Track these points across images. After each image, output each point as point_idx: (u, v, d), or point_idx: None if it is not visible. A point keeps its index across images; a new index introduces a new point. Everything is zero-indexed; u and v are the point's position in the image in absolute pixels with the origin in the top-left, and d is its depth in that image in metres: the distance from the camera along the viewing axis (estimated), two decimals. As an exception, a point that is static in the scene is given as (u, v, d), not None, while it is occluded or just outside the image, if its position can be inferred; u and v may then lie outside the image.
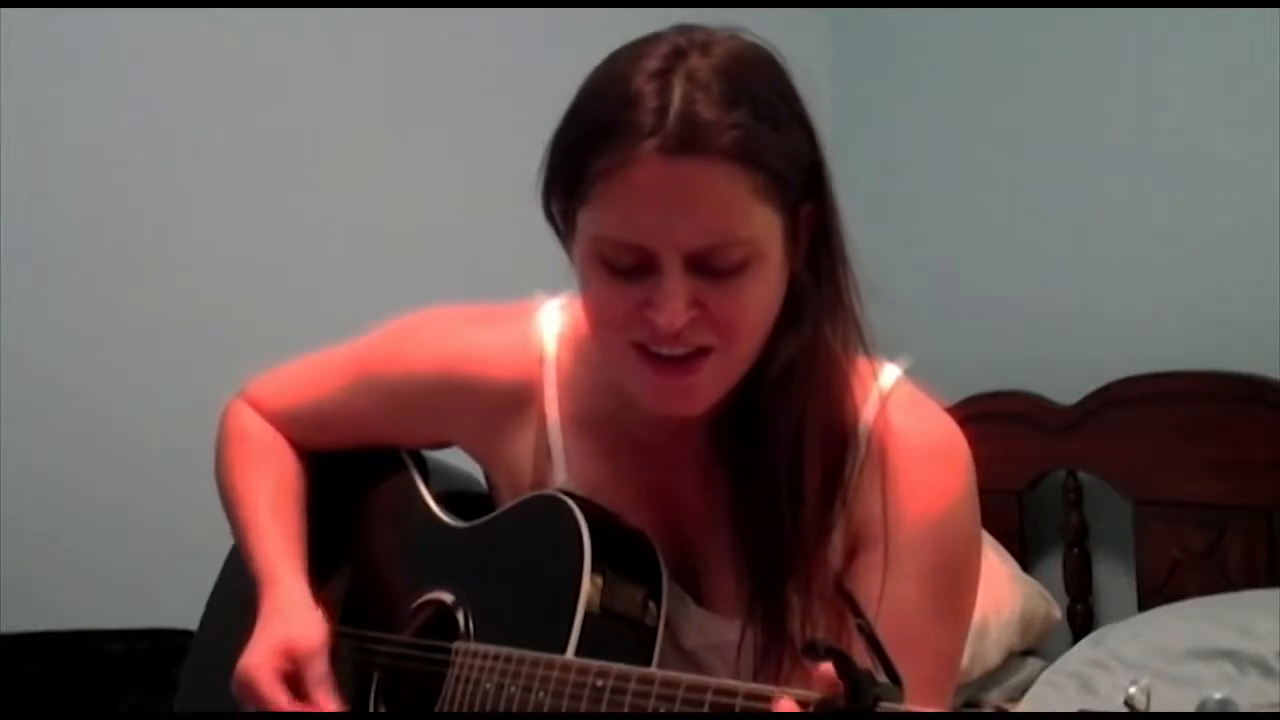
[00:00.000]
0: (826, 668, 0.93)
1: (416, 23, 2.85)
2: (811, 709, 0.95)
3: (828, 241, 1.20)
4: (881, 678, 0.92)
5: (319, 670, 1.29)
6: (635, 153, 1.08)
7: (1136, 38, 2.69)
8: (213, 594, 1.57)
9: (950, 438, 1.23)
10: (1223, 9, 2.52)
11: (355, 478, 1.48)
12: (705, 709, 1.01)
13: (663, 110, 1.09)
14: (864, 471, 1.21)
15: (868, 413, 1.22)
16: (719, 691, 1.01)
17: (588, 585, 1.17)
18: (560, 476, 1.30)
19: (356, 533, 1.47)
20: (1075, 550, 2.72)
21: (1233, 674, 2.08)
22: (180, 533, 2.33)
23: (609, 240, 1.13)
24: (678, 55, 1.11)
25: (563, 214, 1.18)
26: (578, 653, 1.14)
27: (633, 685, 1.07)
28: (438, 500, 1.41)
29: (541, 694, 1.13)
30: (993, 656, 2.55)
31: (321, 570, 1.42)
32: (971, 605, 1.24)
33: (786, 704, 0.96)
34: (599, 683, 1.09)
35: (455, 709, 1.22)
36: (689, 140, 1.08)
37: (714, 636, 1.23)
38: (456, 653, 1.25)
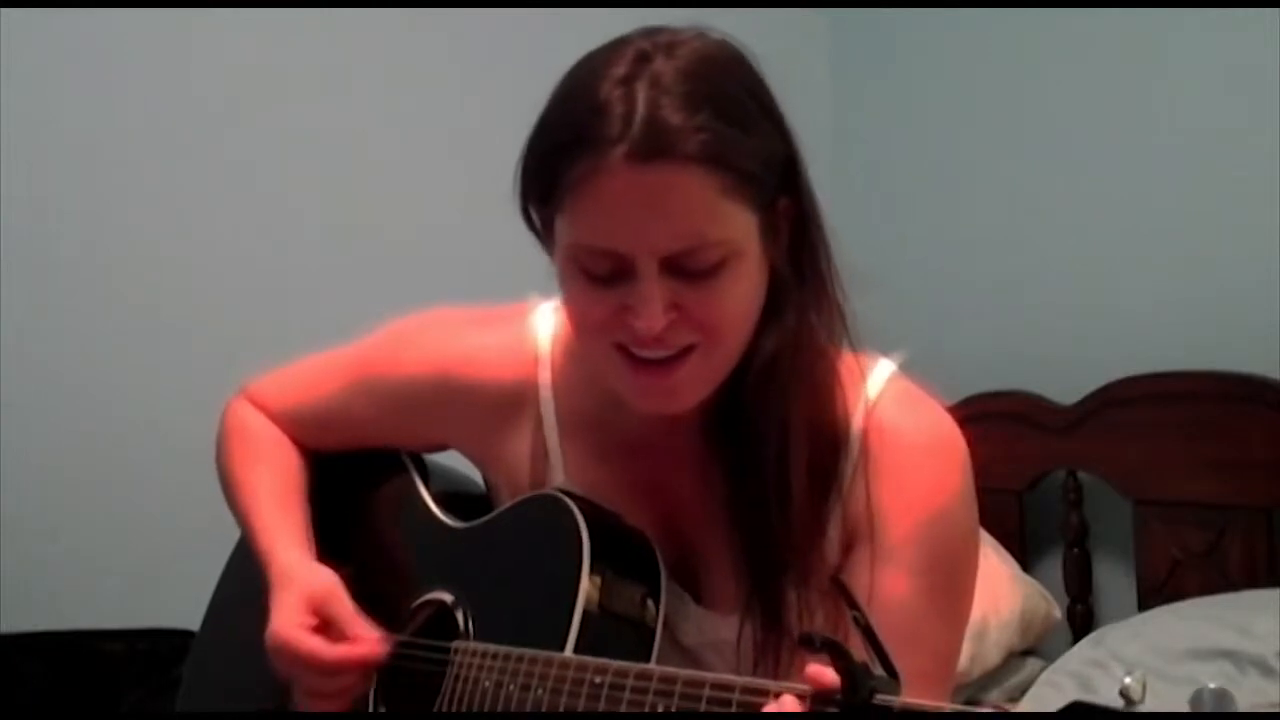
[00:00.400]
0: (822, 661, 0.93)
1: (416, 23, 2.85)
2: (808, 703, 0.95)
3: (807, 234, 1.20)
4: (878, 671, 0.92)
5: (344, 609, 1.29)
6: (604, 161, 1.09)
7: (1136, 38, 2.69)
8: (215, 593, 1.57)
9: (946, 433, 1.23)
10: (1223, 9, 2.52)
11: (355, 478, 1.48)
12: (702, 704, 1.01)
13: (629, 117, 1.09)
14: (858, 467, 1.21)
15: (860, 408, 1.22)
16: (716, 686, 1.01)
17: (587, 584, 1.17)
18: (558, 478, 1.31)
19: (356, 533, 1.48)
20: (1075, 550, 2.72)
21: (1232, 674, 2.08)
22: (180, 533, 2.34)
23: (585, 248, 1.13)
24: (642, 60, 1.12)
25: (540, 220, 1.18)
26: (576, 651, 1.14)
27: (631, 681, 1.07)
28: (437, 501, 1.41)
29: (540, 691, 1.13)
30: (993, 656, 2.55)
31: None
32: (969, 601, 1.24)
33: (789, 701, 0.96)
34: (597, 679, 1.09)
35: (454, 707, 1.22)
36: (656, 146, 1.08)
37: (712, 634, 1.24)
38: (456, 651, 1.25)
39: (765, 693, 0.98)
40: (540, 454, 1.32)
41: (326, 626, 1.28)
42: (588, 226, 1.12)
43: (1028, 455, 2.74)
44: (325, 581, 1.31)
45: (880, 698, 0.90)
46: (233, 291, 2.67)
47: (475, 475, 1.45)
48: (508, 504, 1.32)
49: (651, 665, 1.12)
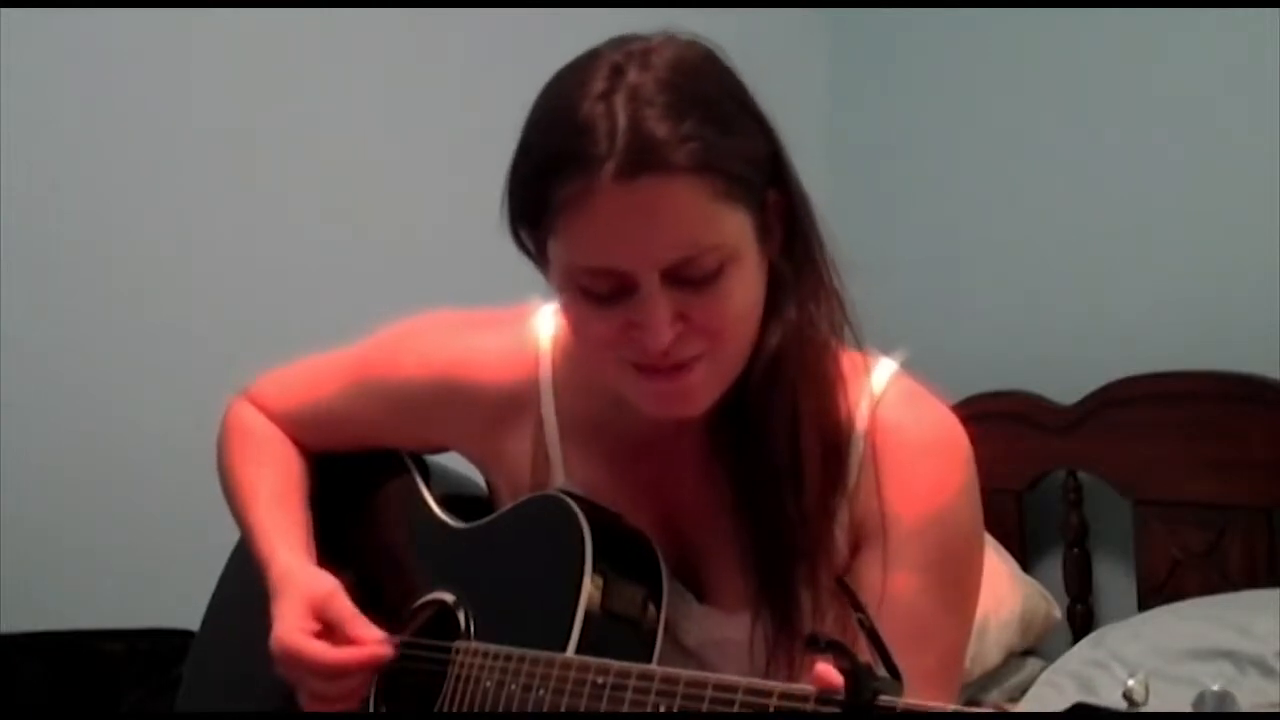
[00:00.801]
0: (827, 662, 0.93)
1: (416, 23, 2.85)
2: (811, 704, 0.95)
3: (798, 225, 1.20)
4: (882, 672, 0.92)
5: (346, 611, 1.29)
6: (593, 181, 1.08)
7: (1136, 38, 2.69)
8: (215, 593, 1.57)
9: (949, 430, 1.23)
10: (1223, 9, 2.52)
11: (357, 479, 1.48)
12: (705, 705, 1.01)
13: (612, 134, 1.08)
14: (863, 465, 1.21)
15: (863, 406, 1.22)
16: (719, 687, 1.01)
17: (588, 585, 1.17)
18: (559, 479, 1.31)
19: (358, 534, 1.48)
20: (1075, 550, 2.72)
21: (1232, 674, 2.08)
22: (180, 533, 2.34)
23: (583, 269, 1.13)
24: (617, 73, 1.11)
25: (533, 244, 1.18)
26: (578, 652, 1.14)
27: (633, 682, 1.07)
28: (439, 502, 1.41)
29: (541, 691, 1.13)
30: (993, 656, 2.55)
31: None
32: (976, 596, 1.25)
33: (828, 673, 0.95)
34: (599, 680, 1.09)
35: (455, 708, 1.22)
36: (643, 160, 1.08)
37: (716, 633, 1.24)
38: (457, 652, 1.25)
39: (769, 694, 0.98)
40: (541, 455, 1.32)
41: (329, 630, 1.28)
42: (583, 247, 1.12)
43: (1028, 455, 2.74)
44: (325, 585, 1.31)
45: (884, 699, 0.91)
46: (233, 291, 2.67)
47: (476, 476, 1.44)
48: (509, 505, 1.32)
49: (654, 666, 1.12)
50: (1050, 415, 2.72)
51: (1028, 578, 2.69)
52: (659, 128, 1.08)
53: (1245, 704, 0.79)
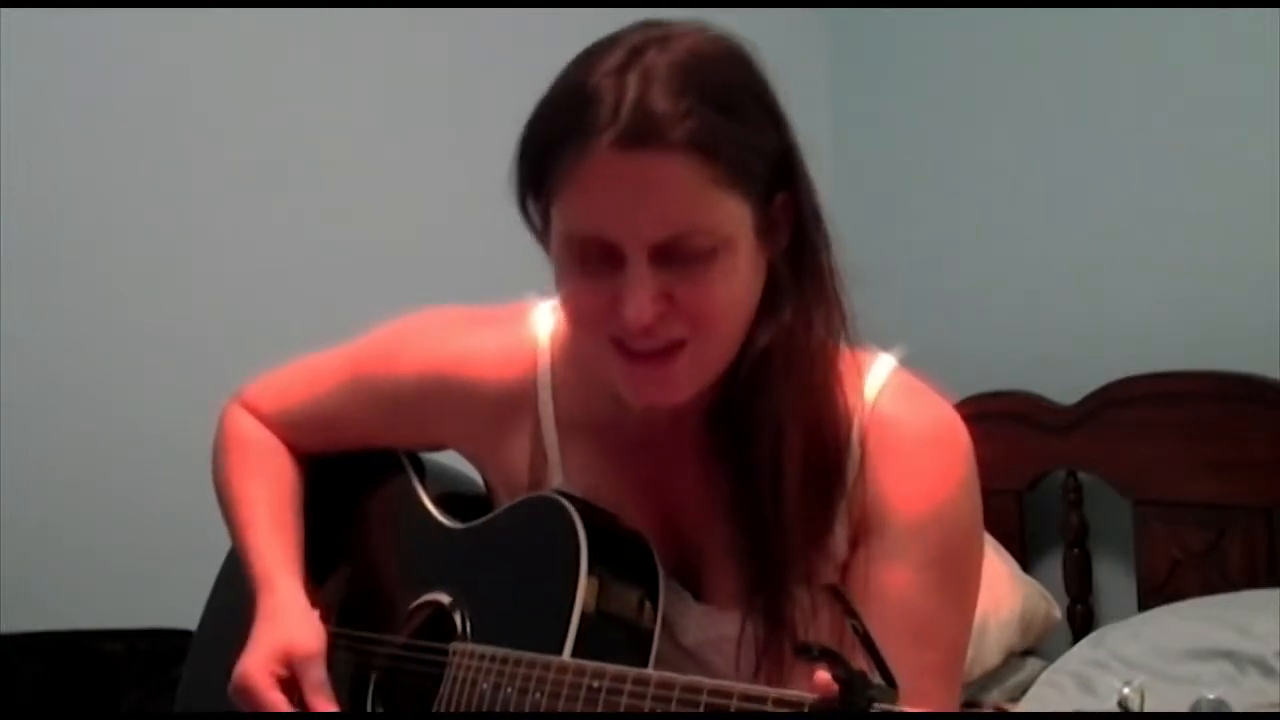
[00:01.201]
0: (821, 670, 0.93)
1: (416, 23, 2.85)
2: (806, 710, 0.95)
3: (806, 231, 1.20)
4: (877, 679, 0.92)
5: (316, 676, 1.29)
6: (592, 148, 1.09)
7: (1136, 37, 2.69)
8: (212, 594, 1.57)
9: (948, 424, 1.22)
10: (1223, 9, 2.52)
11: (353, 479, 1.48)
12: (701, 709, 1.01)
13: (618, 105, 1.09)
14: (862, 461, 1.20)
15: (862, 402, 1.21)
16: (714, 692, 1.01)
17: (584, 587, 1.17)
18: (557, 478, 1.30)
19: (354, 534, 1.47)
20: (1075, 550, 2.72)
21: (1232, 674, 2.08)
22: (180, 533, 2.33)
23: (576, 236, 1.13)
24: (637, 53, 1.12)
25: (538, 214, 1.18)
26: (574, 654, 1.14)
27: (628, 686, 1.07)
28: (435, 502, 1.41)
29: (538, 695, 1.13)
30: (993, 656, 2.55)
31: (319, 572, 1.42)
32: (976, 591, 1.24)
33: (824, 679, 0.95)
34: (595, 684, 1.09)
35: (452, 710, 1.22)
36: (643, 132, 1.08)
37: (713, 631, 1.23)
38: (453, 654, 1.25)
39: (763, 699, 0.98)
40: (539, 454, 1.32)
41: (293, 684, 1.29)
42: (577, 214, 1.13)
43: (1028, 455, 2.73)
44: (310, 641, 1.31)
45: (878, 706, 0.90)
46: (232, 291, 2.67)
47: (473, 475, 1.44)
48: (505, 505, 1.32)
49: (649, 670, 1.12)
50: (1050, 415, 2.72)
51: (1028, 578, 2.69)
52: (662, 103, 1.09)
53: (1245, 704, 0.78)
